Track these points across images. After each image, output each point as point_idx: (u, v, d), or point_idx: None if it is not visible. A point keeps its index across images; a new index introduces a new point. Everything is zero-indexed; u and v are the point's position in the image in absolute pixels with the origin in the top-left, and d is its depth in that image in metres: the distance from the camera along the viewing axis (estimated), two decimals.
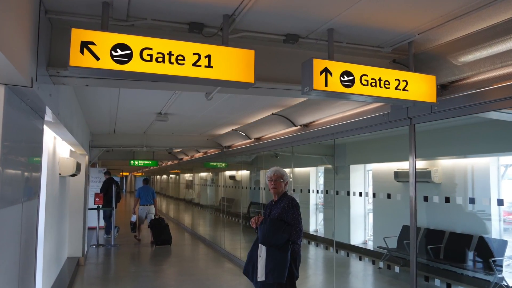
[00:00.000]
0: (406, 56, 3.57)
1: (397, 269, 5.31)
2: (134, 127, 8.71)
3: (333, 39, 3.15)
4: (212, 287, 6.82)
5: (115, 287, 6.84)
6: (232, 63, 2.77)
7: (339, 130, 5.16)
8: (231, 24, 2.97)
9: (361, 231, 7.23)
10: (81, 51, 2.43)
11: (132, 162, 14.91)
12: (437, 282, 4.58)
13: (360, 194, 6.56)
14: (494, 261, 4.58)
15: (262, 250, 3.60)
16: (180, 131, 9.47)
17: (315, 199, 8.77)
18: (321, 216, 8.70)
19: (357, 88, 3.07)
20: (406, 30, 3.15)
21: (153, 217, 11.09)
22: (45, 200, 4.85)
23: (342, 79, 3.01)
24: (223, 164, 11.41)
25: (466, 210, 4.97)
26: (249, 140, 8.36)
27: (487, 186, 4.83)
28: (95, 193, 10.88)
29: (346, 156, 6.96)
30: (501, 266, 4.59)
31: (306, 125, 6.05)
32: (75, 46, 2.42)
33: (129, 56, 2.53)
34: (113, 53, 2.50)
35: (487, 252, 4.79)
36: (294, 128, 6.34)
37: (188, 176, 17.43)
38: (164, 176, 25.40)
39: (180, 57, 2.64)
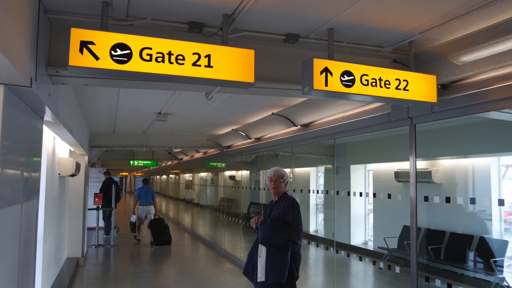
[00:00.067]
0: (407, 55, 3.56)
1: (397, 269, 5.30)
2: (133, 127, 8.70)
3: (333, 39, 3.14)
4: None
5: (114, 287, 6.83)
6: (232, 63, 2.76)
7: (339, 130, 5.15)
8: (231, 24, 2.96)
9: (362, 231, 7.23)
10: (81, 51, 2.42)
11: (131, 162, 14.90)
12: (437, 282, 4.57)
13: (361, 194, 6.55)
14: (495, 261, 4.58)
15: (262, 251, 3.59)
16: (180, 131, 9.46)
17: (315, 199, 8.76)
18: (321, 216, 8.69)
19: (357, 88, 3.06)
20: (407, 30, 3.14)
21: (152, 217, 11.08)
22: (44, 200, 4.84)
23: (342, 79, 3.00)
24: (223, 164, 11.40)
25: (466, 210, 4.96)
26: (249, 140, 8.35)
27: (488, 186, 4.82)
28: (94, 193, 10.88)
29: (347, 156, 6.96)
30: (502, 267, 4.58)
31: (306, 125, 6.04)
32: (74, 45, 2.41)
33: (129, 56, 2.52)
34: (113, 52, 2.49)
35: (487, 253, 4.78)
36: (294, 128, 6.33)
37: (188, 176, 17.42)
38: (164, 176, 25.39)
39: (180, 57, 2.63)
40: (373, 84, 3.12)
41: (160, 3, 2.70)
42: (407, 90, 3.24)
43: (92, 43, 2.45)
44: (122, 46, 2.51)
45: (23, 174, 2.89)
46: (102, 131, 9.34)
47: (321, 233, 8.58)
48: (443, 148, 5.33)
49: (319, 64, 2.93)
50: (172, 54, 2.61)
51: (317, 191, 8.82)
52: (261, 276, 3.53)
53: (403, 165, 5.01)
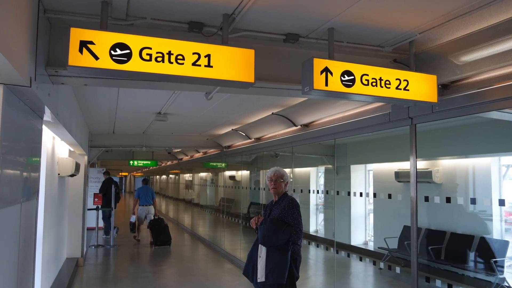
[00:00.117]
0: (407, 55, 3.56)
1: (398, 269, 5.29)
2: (133, 127, 8.69)
3: (333, 39, 3.14)
4: None
5: (114, 287, 6.82)
6: (232, 63, 2.75)
7: (340, 130, 5.15)
8: (231, 24, 2.95)
9: (362, 231, 7.22)
10: (80, 51, 2.41)
11: (131, 162, 14.89)
12: (438, 282, 4.56)
13: (361, 194, 6.54)
14: (495, 261, 4.57)
15: (262, 251, 3.58)
16: (180, 131, 9.45)
17: (315, 199, 8.75)
18: (321, 216, 8.69)
19: (357, 88, 3.05)
20: (407, 30, 3.13)
21: (152, 218, 11.07)
22: (44, 201, 4.83)
23: (342, 78, 2.99)
24: (223, 164, 11.39)
25: (467, 211, 4.95)
26: (249, 140, 8.34)
27: (488, 186, 4.81)
28: (94, 193, 10.87)
29: (347, 156, 6.95)
30: (503, 267, 4.57)
31: (306, 125, 6.03)
32: (74, 45, 2.40)
33: (129, 56, 2.52)
34: (112, 52, 2.48)
35: (488, 253, 4.77)
36: (294, 128, 6.32)
37: (187, 176, 17.41)
38: (164, 176, 25.38)
39: (179, 57, 2.62)
40: (374, 84, 3.11)
41: (160, 2, 2.69)
42: (408, 90, 3.24)
43: (91, 43, 2.44)
44: (122, 46, 2.51)
45: (23, 174, 2.88)
46: (101, 131, 9.33)
47: (321, 233, 8.57)
48: (444, 148, 5.33)
49: (319, 64, 2.92)
50: (172, 54, 2.60)
51: (317, 191, 8.81)
52: (261, 277, 3.52)
53: (404, 165, 5.00)
